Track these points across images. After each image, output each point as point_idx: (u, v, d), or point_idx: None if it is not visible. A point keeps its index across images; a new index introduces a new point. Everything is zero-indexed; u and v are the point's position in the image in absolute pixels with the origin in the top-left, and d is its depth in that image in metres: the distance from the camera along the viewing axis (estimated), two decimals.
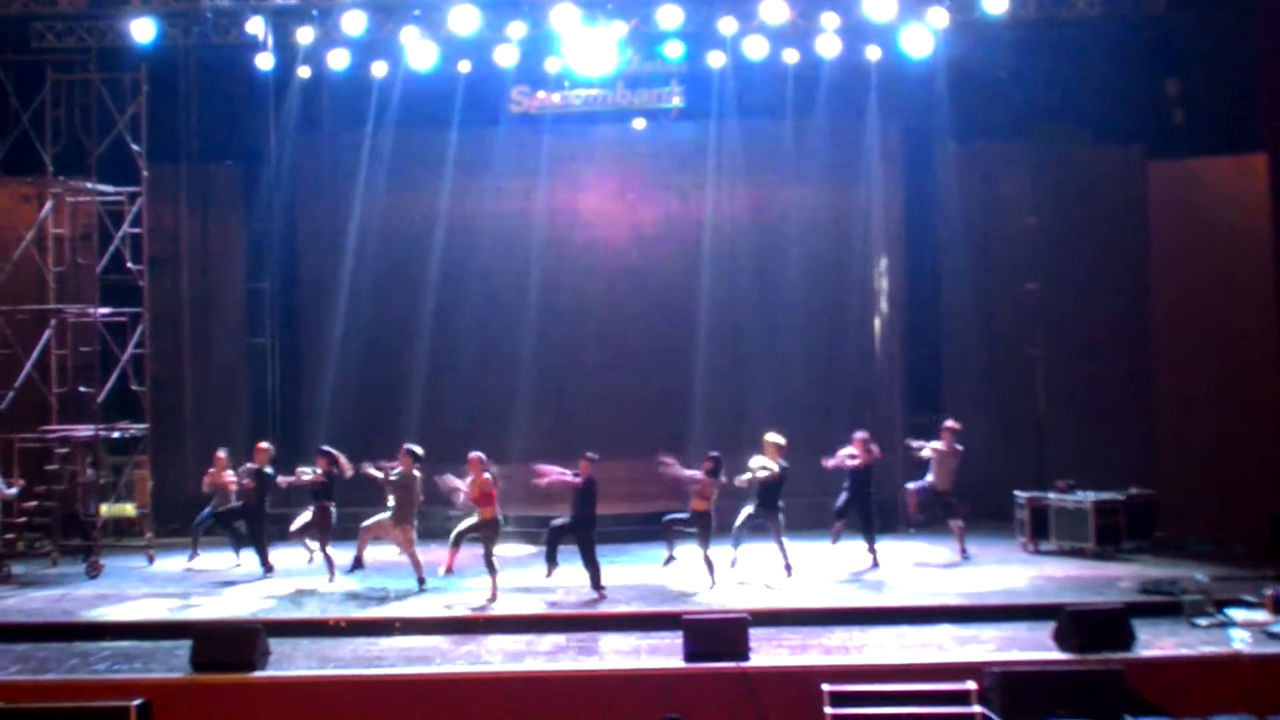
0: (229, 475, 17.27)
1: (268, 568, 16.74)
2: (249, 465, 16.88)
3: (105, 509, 18.75)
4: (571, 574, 15.14)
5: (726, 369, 21.03)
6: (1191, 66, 19.21)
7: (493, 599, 14.72)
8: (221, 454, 17.47)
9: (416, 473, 15.60)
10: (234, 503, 17.06)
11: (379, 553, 16.15)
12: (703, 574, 15.39)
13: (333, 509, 16.15)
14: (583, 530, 15.01)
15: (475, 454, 15.12)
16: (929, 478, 16.95)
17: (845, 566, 16.32)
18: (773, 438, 16.05)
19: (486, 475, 14.92)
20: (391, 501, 15.52)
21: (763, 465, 15.85)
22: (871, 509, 16.72)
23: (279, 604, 15.02)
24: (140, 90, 18.40)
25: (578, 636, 13.45)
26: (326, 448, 16.49)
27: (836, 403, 20.41)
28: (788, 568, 15.84)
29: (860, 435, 16.66)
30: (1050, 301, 20.10)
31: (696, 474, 15.48)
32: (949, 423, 17.09)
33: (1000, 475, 18.82)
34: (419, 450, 15.70)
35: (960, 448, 16.86)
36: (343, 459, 16.16)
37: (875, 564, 16.41)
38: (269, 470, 16.77)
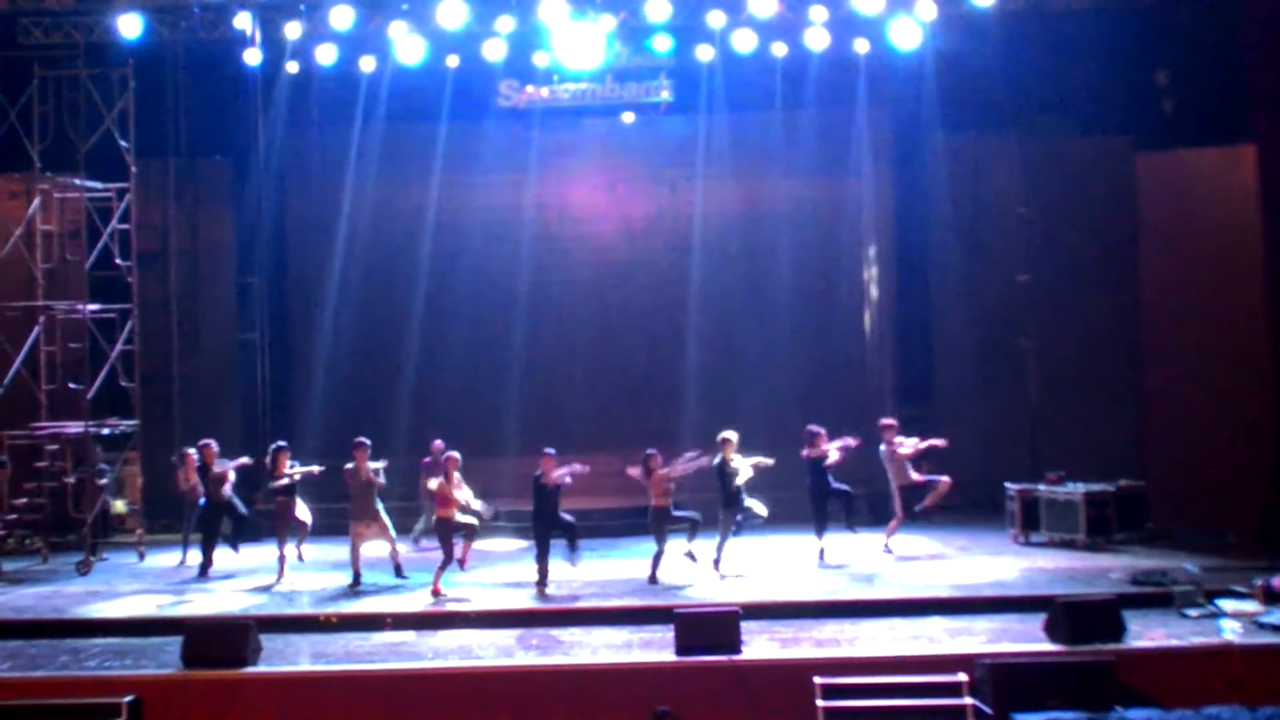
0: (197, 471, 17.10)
1: (234, 548, 16.80)
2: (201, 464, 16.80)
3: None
4: (562, 569, 15.15)
5: (716, 362, 21.01)
6: (1180, 58, 19.19)
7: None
8: (191, 452, 17.32)
9: (373, 465, 15.56)
10: (202, 501, 16.90)
11: (367, 549, 16.07)
12: (690, 567, 15.41)
13: (296, 504, 16.09)
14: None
15: (451, 454, 15.19)
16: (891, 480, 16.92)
17: (835, 559, 16.32)
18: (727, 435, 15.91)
19: (455, 476, 14.95)
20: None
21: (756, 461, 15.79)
22: (840, 498, 16.48)
23: (270, 600, 15.02)
24: (128, 86, 18.41)
25: (570, 630, 13.43)
26: (281, 443, 16.51)
27: (826, 395, 20.34)
28: (716, 563, 15.66)
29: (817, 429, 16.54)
30: (1040, 292, 20.11)
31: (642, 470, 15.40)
32: (884, 420, 17.04)
33: (991, 467, 18.85)
34: (367, 442, 15.71)
35: (901, 443, 16.63)
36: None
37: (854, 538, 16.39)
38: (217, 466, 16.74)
